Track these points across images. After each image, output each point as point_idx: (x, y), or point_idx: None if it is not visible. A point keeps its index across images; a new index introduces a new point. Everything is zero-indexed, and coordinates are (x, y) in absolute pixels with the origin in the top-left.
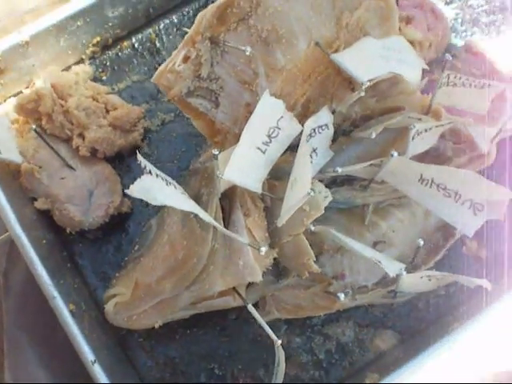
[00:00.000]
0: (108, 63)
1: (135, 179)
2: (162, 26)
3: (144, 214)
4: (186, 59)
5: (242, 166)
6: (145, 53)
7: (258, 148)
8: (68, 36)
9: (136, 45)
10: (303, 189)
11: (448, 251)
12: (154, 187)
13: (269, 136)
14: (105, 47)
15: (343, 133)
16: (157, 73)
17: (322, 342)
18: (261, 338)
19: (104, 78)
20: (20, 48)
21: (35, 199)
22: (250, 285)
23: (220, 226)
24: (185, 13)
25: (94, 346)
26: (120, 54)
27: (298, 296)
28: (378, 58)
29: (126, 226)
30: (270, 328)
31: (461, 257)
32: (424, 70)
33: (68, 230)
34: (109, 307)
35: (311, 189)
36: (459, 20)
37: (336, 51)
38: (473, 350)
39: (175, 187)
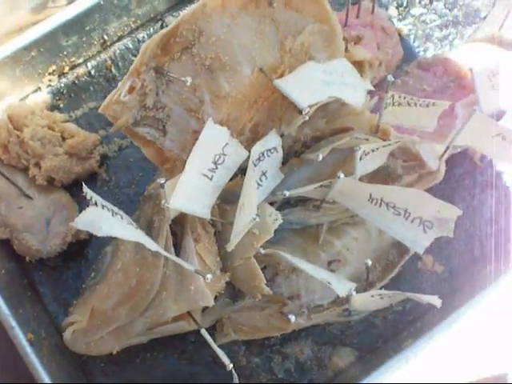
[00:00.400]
0: (65, 91)
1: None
2: (117, 52)
3: (102, 241)
4: (131, 90)
5: (189, 193)
6: (101, 79)
7: (205, 175)
8: (24, 66)
9: (92, 72)
10: (249, 214)
11: (404, 267)
12: (100, 218)
13: (215, 163)
14: (61, 75)
15: (295, 154)
16: (103, 104)
17: (281, 361)
18: (219, 360)
19: (61, 105)
20: None
21: None
22: (206, 308)
23: (168, 254)
24: (140, 38)
25: (54, 374)
26: (76, 81)
27: (253, 317)
28: (319, 83)
29: (84, 253)
30: (229, 349)
31: (417, 272)
32: (375, 88)
33: (27, 259)
34: (67, 334)
35: (257, 214)
36: (412, 36)
37: (281, 76)
38: (428, 364)
39: (122, 217)
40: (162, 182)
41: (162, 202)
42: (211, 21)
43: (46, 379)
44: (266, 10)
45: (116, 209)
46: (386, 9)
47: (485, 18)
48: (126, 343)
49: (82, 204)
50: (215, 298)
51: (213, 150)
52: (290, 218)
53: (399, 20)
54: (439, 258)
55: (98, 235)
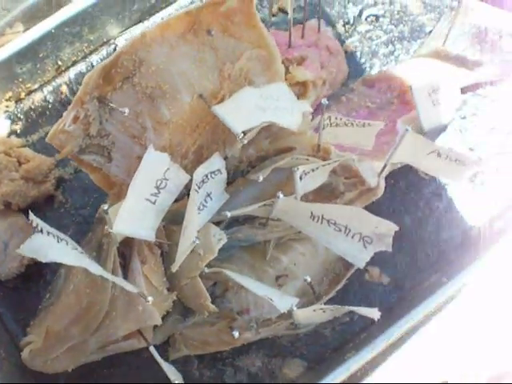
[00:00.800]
0: (21, 116)
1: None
2: (72, 77)
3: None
4: (75, 119)
5: (133, 217)
6: (56, 104)
7: (147, 199)
8: None
9: (48, 97)
10: (190, 237)
11: (351, 279)
12: (45, 245)
13: (157, 187)
14: (18, 101)
15: (241, 174)
16: (50, 133)
17: (233, 373)
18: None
19: (18, 130)
20: None
21: None
22: (157, 325)
23: (112, 277)
24: (93, 62)
25: None
26: (33, 106)
27: (204, 333)
28: (254, 109)
29: (42, 274)
30: (183, 363)
31: (364, 284)
32: (319, 108)
33: None
34: (25, 354)
35: (196, 237)
36: (358, 53)
37: (221, 101)
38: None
39: (67, 243)
40: (105, 208)
41: (106, 227)
42: (151, 50)
43: None
44: (204, 38)
45: (62, 235)
46: (333, 27)
47: (430, 32)
48: (80, 361)
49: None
50: (166, 315)
51: (154, 175)
52: (238, 235)
53: (346, 37)
54: (385, 270)
55: (43, 261)
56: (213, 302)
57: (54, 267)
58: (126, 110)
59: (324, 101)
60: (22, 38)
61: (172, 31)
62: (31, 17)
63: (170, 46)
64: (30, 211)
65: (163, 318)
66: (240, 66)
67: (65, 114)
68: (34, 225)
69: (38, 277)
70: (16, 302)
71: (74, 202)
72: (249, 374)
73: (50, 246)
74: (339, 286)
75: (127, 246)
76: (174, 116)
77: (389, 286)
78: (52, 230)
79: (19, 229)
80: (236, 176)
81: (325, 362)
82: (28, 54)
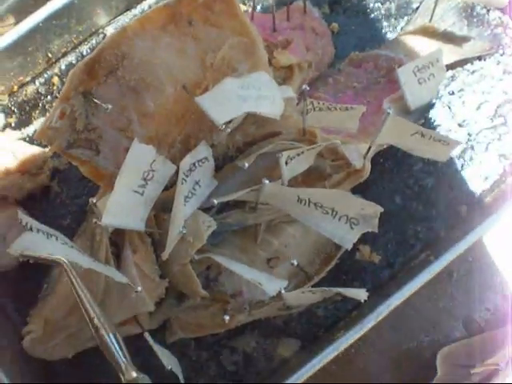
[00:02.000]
0: (15, 109)
1: (48, 217)
2: (62, 68)
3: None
4: (62, 115)
5: (121, 209)
6: (49, 96)
7: (135, 191)
8: None
9: (40, 89)
10: (177, 227)
11: (342, 258)
12: (35, 242)
13: (144, 179)
14: (11, 94)
15: (230, 160)
16: (38, 130)
17: (230, 354)
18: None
19: (13, 123)
20: None
21: None
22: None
23: (102, 268)
24: (83, 52)
25: (17, 380)
26: (26, 99)
27: (198, 316)
28: (235, 99)
29: (42, 264)
30: (180, 345)
31: (355, 263)
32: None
33: None
34: (26, 342)
35: (184, 226)
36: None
37: (205, 90)
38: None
39: (57, 238)
40: (94, 201)
41: (95, 220)
42: (133, 44)
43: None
44: (185, 29)
45: (52, 230)
46: (320, 7)
47: (416, 9)
48: (80, 347)
49: (37, 217)
50: (161, 300)
51: (141, 167)
52: (229, 220)
53: (332, 17)
54: (376, 248)
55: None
56: (207, 286)
57: None
58: (109, 106)
59: (305, 86)
60: (9, 34)
61: (153, 24)
62: (22, 10)
63: (152, 38)
64: (18, 210)
65: (158, 304)
66: (222, 55)
67: (51, 110)
68: (24, 223)
69: (37, 267)
70: (16, 292)
71: (70, 191)
72: (244, 354)
73: (40, 242)
74: (330, 266)
75: (119, 236)
76: (159, 107)
77: (380, 265)
78: (42, 226)
79: (17, 221)
80: (225, 162)
81: (318, 340)
82: (17, 48)
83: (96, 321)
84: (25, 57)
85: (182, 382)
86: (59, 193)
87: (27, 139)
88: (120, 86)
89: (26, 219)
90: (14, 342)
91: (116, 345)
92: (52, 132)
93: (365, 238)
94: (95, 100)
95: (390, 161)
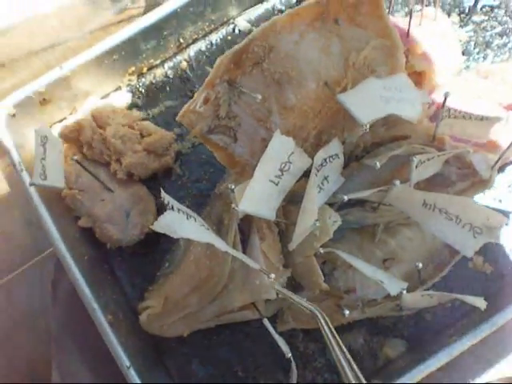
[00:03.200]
0: (143, 90)
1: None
2: (192, 54)
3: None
4: (206, 101)
5: (257, 198)
6: (176, 80)
7: (271, 181)
8: (106, 68)
9: (168, 72)
10: (310, 219)
11: (455, 266)
12: (175, 222)
13: (281, 170)
14: (140, 75)
15: (355, 158)
16: (181, 113)
17: None
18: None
19: (140, 104)
20: (63, 81)
21: (79, 218)
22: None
23: (237, 254)
24: (213, 41)
25: (130, 352)
26: (154, 81)
27: None
28: (378, 100)
29: (160, 242)
30: (289, 335)
31: (467, 272)
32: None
33: (108, 246)
34: (143, 317)
35: (317, 219)
36: (472, 43)
37: (344, 89)
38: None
39: (195, 220)
40: (232, 187)
41: (232, 205)
42: (280, 38)
43: (123, 356)
44: (331, 27)
45: (190, 211)
46: (449, 15)
47: None
48: (195, 327)
49: (158, 196)
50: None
51: (280, 158)
52: (349, 218)
53: (461, 26)
54: (489, 259)
55: (174, 237)
56: None
57: (171, 237)
58: (259, 96)
59: (447, 92)
60: (148, 16)
61: (301, 19)
62: None
63: (299, 34)
64: (162, 190)
65: None
66: (364, 55)
67: (196, 94)
68: (166, 202)
69: (155, 245)
70: (133, 267)
71: (191, 175)
72: (350, 349)
73: (180, 222)
74: (444, 273)
75: (246, 223)
76: (300, 101)
77: (491, 276)
78: (182, 207)
79: (140, 198)
80: (350, 160)
81: (426, 344)
82: (153, 32)
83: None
84: (158, 40)
85: (295, 371)
86: (180, 175)
87: (152, 120)
88: (264, 78)
89: (167, 198)
90: (128, 317)
91: None
92: (195, 116)
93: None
94: (243, 89)
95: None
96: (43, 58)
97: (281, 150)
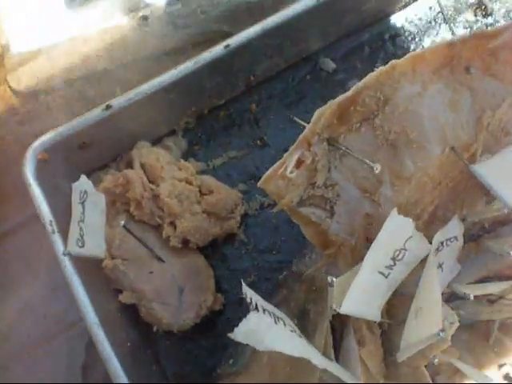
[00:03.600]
0: (203, 136)
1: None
2: (263, 94)
3: (236, 313)
4: (299, 164)
5: (362, 295)
6: (243, 124)
7: (381, 272)
8: (160, 107)
9: (234, 115)
10: (431, 326)
11: None
12: (261, 328)
13: (393, 259)
14: (200, 118)
15: (471, 238)
16: (265, 177)
17: None
18: None
19: (198, 152)
20: (107, 121)
21: (120, 291)
22: None
23: (331, 365)
24: (290, 80)
25: None
26: (216, 125)
27: None
28: None
29: (217, 329)
30: None
31: None
32: None
33: (155, 328)
34: None
35: (442, 329)
36: None
37: (473, 156)
38: None
39: (284, 324)
40: (331, 281)
41: (332, 305)
42: (399, 87)
43: None
44: (461, 77)
45: (277, 311)
46: None
47: None
48: None
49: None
50: None
51: (394, 244)
52: (460, 312)
53: None
54: None
55: (259, 349)
56: None
57: (229, 319)
58: (378, 167)
59: None
60: (217, 48)
61: (426, 65)
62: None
63: (422, 84)
64: (242, 282)
65: None
66: (500, 115)
67: (285, 155)
68: (248, 300)
69: (212, 329)
70: (183, 355)
71: (257, 243)
72: None
73: (267, 329)
74: None
75: (336, 319)
76: (419, 170)
77: None
78: (268, 305)
79: (197, 272)
80: (465, 240)
81: None
82: (222, 65)
83: None
84: (226, 77)
85: None
86: (245, 243)
87: (212, 173)
88: (375, 138)
89: (250, 293)
90: None
91: None
92: (284, 182)
93: None
94: (350, 151)
95: None
96: (84, 93)
97: (397, 233)
